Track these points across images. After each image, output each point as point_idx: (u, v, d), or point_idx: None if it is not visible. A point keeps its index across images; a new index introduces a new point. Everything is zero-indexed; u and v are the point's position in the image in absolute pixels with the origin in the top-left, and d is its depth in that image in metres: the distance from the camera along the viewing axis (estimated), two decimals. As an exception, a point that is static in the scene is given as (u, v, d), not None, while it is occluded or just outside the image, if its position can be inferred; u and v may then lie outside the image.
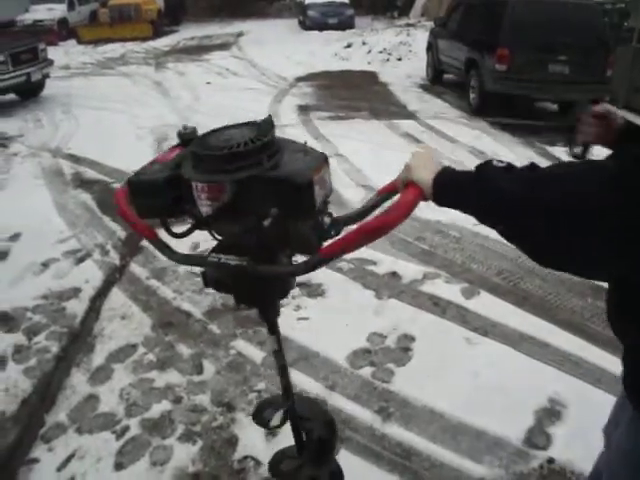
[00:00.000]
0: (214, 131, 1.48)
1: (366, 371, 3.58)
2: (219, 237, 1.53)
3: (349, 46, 18.41)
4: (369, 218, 1.38)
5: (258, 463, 2.96)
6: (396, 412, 3.27)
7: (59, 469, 2.99)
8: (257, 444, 3.07)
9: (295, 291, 4.43)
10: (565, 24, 9.57)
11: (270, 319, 1.75)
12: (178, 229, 1.62)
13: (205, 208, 1.38)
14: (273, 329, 1.76)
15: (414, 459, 2.98)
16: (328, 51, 18.20)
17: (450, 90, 12.44)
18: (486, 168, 1.26)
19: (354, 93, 12.27)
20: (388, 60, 16.50)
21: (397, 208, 1.30)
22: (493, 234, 4.51)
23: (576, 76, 9.69)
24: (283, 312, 4.12)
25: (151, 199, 1.44)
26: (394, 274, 4.68)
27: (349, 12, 24.19)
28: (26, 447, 3.15)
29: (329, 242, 1.37)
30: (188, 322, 4.17)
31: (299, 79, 14.02)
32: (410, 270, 4.73)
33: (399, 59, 16.53)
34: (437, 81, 13.38)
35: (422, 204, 4.10)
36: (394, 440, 3.10)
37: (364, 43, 18.33)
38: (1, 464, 3.05)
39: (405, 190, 1.35)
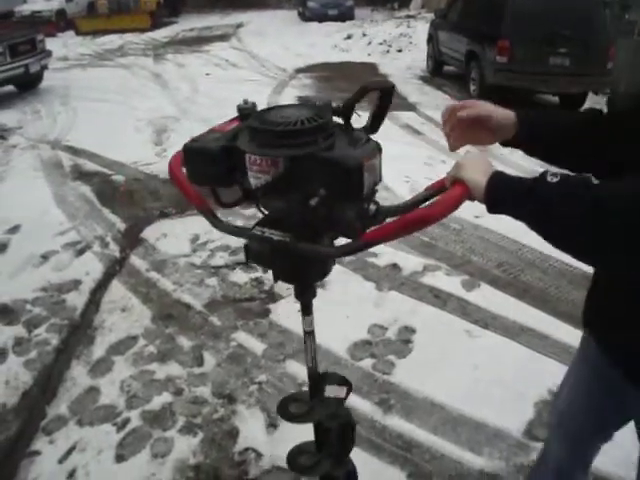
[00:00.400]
0: (272, 108, 1.49)
1: (367, 363, 3.58)
2: (265, 211, 1.54)
3: (349, 37, 18.36)
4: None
5: (259, 455, 2.96)
6: (397, 404, 3.28)
7: (60, 461, 2.99)
8: (258, 436, 3.08)
9: (295, 283, 4.43)
10: (566, 16, 9.56)
11: (305, 299, 1.73)
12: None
13: (255, 180, 1.39)
14: (307, 310, 1.75)
15: (415, 451, 2.99)
16: (328, 42, 18.16)
17: (450, 82, 12.41)
18: (541, 187, 1.24)
19: (354, 85, 12.02)
20: (388, 52, 16.46)
21: (441, 203, 1.31)
22: (493, 227, 4.53)
23: (577, 68, 9.68)
24: (284, 304, 4.14)
25: (204, 166, 1.46)
26: (394, 266, 4.68)
27: (349, 3, 24.12)
28: (27, 439, 3.15)
29: (371, 229, 1.38)
30: (188, 314, 4.16)
31: (299, 70, 13.98)
32: (410, 262, 4.72)
33: (399, 51, 16.49)
34: (437, 73, 13.34)
35: None
36: (395, 432, 3.10)
37: (364, 34, 18.29)
38: (3, 456, 3.05)
39: (452, 187, 1.35)
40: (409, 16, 22.00)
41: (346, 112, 1.47)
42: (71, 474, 2.91)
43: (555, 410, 2.10)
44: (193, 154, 1.47)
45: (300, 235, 1.42)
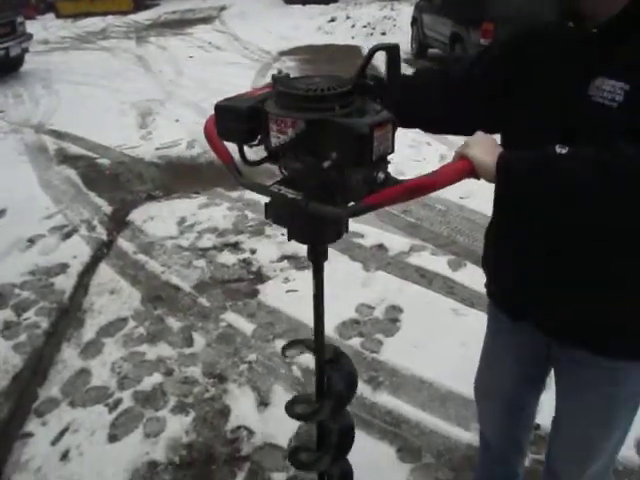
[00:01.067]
0: (302, 77, 1.57)
1: (355, 341, 3.63)
2: (285, 172, 1.61)
3: (333, 20, 18.30)
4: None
5: (251, 433, 3.00)
6: (385, 381, 3.33)
7: (53, 443, 3.01)
8: (249, 414, 3.12)
9: (283, 263, 4.47)
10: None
11: (317, 261, 1.80)
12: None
13: (275, 140, 1.49)
14: (317, 271, 1.81)
15: (404, 426, 3.04)
16: (311, 25, 18.09)
17: (435, 64, 12.43)
18: (551, 159, 1.29)
19: (337, 67, 12.19)
20: (372, 34, 16.42)
21: (442, 173, 1.37)
22: (478, 208, 4.57)
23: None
24: (272, 284, 4.17)
25: (232, 123, 1.56)
26: (381, 246, 4.72)
27: (332, -15, 24.00)
28: (20, 421, 3.17)
29: (375, 194, 1.44)
30: (177, 296, 4.19)
31: (282, 53, 13.94)
32: (397, 242, 4.76)
33: (383, 33, 16.45)
34: (421, 55, 13.33)
35: (411, 176, 4.12)
36: (384, 408, 3.15)
37: (348, 17, 18.23)
38: (-5, 439, 3.08)
39: (456, 161, 1.40)
40: (393, -2, 21.93)
41: (361, 80, 1.52)
42: (65, 455, 2.94)
43: (478, 384, 2.26)
44: (223, 111, 1.58)
45: (312, 195, 1.50)
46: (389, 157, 1.46)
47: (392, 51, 1.56)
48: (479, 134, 1.45)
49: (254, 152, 1.62)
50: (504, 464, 2.40)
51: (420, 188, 1.36)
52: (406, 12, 16.42)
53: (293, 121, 1.44)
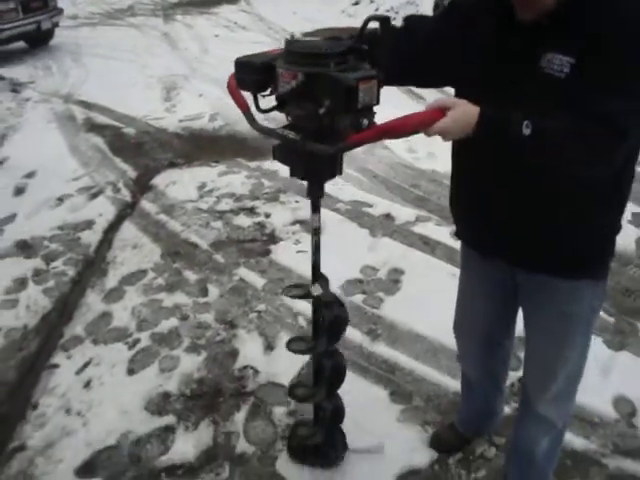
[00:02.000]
0: (308, 39, 1.96)
1: (358, 298, 3.90)
2: (289, 119, 1.94)
3: (357, 3, 18.39)
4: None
5: (256, 372, 3.30)
6: (383, 333, 3.60)
7: (77, 373, 3.34)
8: (256, 356, 3.41)
9: (295, 227, 4.74)
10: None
11: (315, 197, 2.16)
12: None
13: (282, 88, 1.82)
14: (315, 207, 2.17)
15: (398, 373, 3.31)
16: (335, 8, 18.17)
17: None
18: (519, 138, 1.56)
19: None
20: (394, 19, 16.53)
21: (412, 117, 1.63)
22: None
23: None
24: (284, 245, 4.44)
25: (248, 75, 1.93)
26: (388, 216, 4.97)
27: (358, -31, 24.02)
28: (47, 355, 3.50)
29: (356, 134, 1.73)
30: (195, 252, 4.49)
31: (306, 34, 14.11)
32: (403, 213, 5.01)
33: (404, 17, 16.54)
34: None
35: (422, 154, 4.43)
36: (381, 357, 3.42)
37: (372, 1, 18.32)
38: (26, 368, 3.40)
39: (428, 108, 1.66)
40: (418, -17, 21.96)
41: (357, 44, 1.82)
42: (87, 383, 3.26)
43: (456, 322, 2.58)
44: (241, 65, 1.94)
45: (308, 136, 1.81)
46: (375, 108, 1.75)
47: (384, 21, 1.86)
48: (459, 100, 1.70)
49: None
50: (485, 400, 2.67)
51: (392, 129, 1.64)
52: (429, -2, 16.54)
53: (295, 73, 1.76)
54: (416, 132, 1.65)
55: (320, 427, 2.61)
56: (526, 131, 1.53)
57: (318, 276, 2.30)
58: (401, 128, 1.63)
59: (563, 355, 2.05)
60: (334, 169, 2.03)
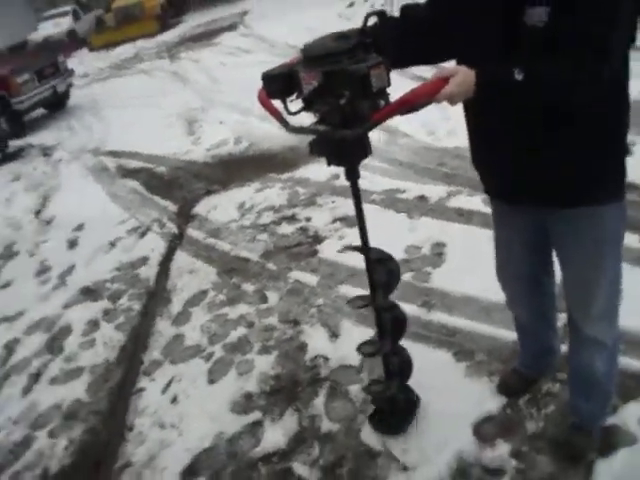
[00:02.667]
0: (316, 41, 2.15)
1: (407, 276, 4.08)
2: (316, 116, 2.19)
3: (351, 5, 18.57)
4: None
5: (326, 359, 3.52)
6: (437, 303, 3.79)
7: (163, 392, 3.61)
8: (323, 346, 3.64)
9: (336, 224, 4.97)
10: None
11: (353, 179, 2.39)
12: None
13: (306, 89, 2.08)
14: (355, 189, 2.43)
15: (457, 336, 3.49)
16: (332, 13, 18.33)
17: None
18: (512, 83, 1.77)
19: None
20: (391, 11, 16.72)
21: (420, 89, 1.86)
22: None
23: None
24: (329, 243, 4.66)
25: (274, 85, 2.19)
26: (421, 197, 5.16)
27: (346, -28, 24.16)
28: (132, 382, 3.78)
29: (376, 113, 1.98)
30: (247, 265, 4.75)
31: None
32: (435, 191, 5.19)
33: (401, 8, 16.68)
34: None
35: (441, 134, 4.65)
36: (439, 324, 3.61)
37: (366, 0, 18.51)
38: (116, 397, 3.69)
39: (432, 79, 1.88)
40: (408, -25, 22.04)
41: (361, 38, 2.07)
42: (174, 399, 3.53)
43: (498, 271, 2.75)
44: (268, 78, 2.21)
45: (337, 126, 2.08)
46: (388, 90, 2.01)
47: (381, 14, 2.19)
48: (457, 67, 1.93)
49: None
50: (539, 340, 2.86)
51: (406, 102, 1.87)
52: (421, -11, 16.65)
53: (315, 74, 2.04)
54: (427, 102, 1.88)
55: (392, 380, 2.83)
56: (518, 77, 1.74)
57: (366, 239, 2.61)
58: (413, 99, 1.85)
59: (597, 278, 2.23)
60: (365, 150, 2.27)
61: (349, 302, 2.86)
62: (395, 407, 2.89)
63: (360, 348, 2.81)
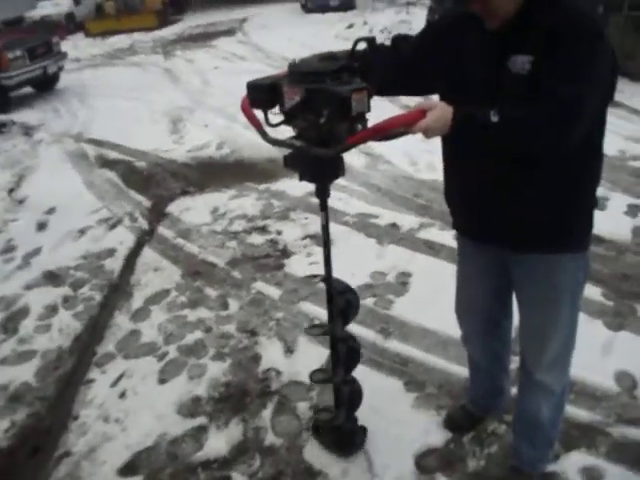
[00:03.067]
0: (304, 60, 2.23)
1: (369, 301, 4.13)
2: (295, 130, 2.24)
3: (350, 26, 18.74)
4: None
5: (279, 373, 3.53)
6: (395, 331, 3.83)
7: (112, 385, 3.60)
8: (277, 359, 3.65)
9: (306, 241, 5.00)
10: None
11: (322, 197, 2.42)
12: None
13: (287, 103, 2.12)
14: (324, 206, 2.45)
15: (410, 365, 3.53)
16: (330, 32, 18.51)
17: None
18: (488, 124, 1.81)
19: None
20: (389, 39, 16.81)
21: (397, 118, 1.90)
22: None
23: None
24: (296, 258, 4.68)
25: (258, 95, 2.24)
26: (394, 225, 5.21)
27: (349, -7, 24.37)
28: (83, 372, 3.76)
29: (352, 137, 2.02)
30: (213, 271, 4.76)
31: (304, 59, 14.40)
32: (408, 221, 5.25)
33: (392, 37, 16.81)
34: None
35: (422, 165, 4.72)
36: (394, 352, 3.65)
37: (365, 23, 18.67)
38: (64, 384, 3.67)
39: (411, 110, 1.92)
40: (409, 3, 22.28)
41: (349, 62, 2.13)
42: (122, 394, 3.51)
43: (457, 307, 2.82)
44: (252, 87, 2.25)
45: (313, 143, 2.13)
46: (368, 115, 2.04)
47: (370, 41, 2.25)
48: (438, 101, 1.98)
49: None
50: (490, 379, 2.90)
51: (381, 129, 1.92)
52: (421, 15, 16.84)
53: (298, 90, 2.07)
54: (403, 132, 1.92)
55: (340, 409, 2.84)
56: (494, 118, 1.79)
57: (330, 268, 2.57)
58: (388, 127, 1.90)
59: (553, 325, 2.29)
60: (337, 170, 2.31)
61: (307, 330, 2.91)
62: (340, 436, 2.92)
63: (312, 376, 2.84)
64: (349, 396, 2.80)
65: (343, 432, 2.90)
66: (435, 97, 2.19)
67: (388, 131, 1.91)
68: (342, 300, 2.66)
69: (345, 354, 2.73)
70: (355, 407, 2.88)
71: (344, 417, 2.82)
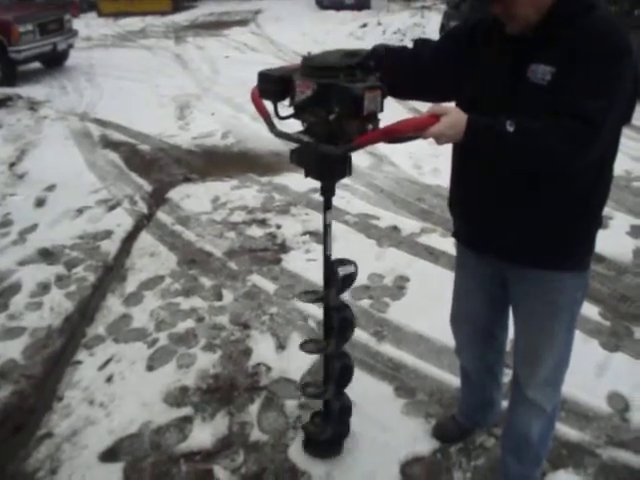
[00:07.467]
0: (323, 53, 2.20)
1: (365, 302, 4.09)
2: (304, 125, 2.20)
3: (364, 26, 18.68)
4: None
5: (269, 369, 3.49)
6: (389, 335, 3.79)
7: (100, 369, 3.55)
8: (268, 355, 3.61)
9: (305, 237, 4.96)
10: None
11: (327, 196, 2.37)
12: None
13: (298, 98, 2.08)
14: (328, 204, 2.40)
15: (402, 371, 3.50)
16: (343, 30, 18.48)
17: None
18: (503, 134, 1.77)
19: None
20: (402, 41, 16.77)
21: (409, 121, 1.86)
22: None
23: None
24: (294, 254, 4.64)
25: (268, 85, 2.20)
26: (395, 228, 5.17)
27: (365, -7, 24.29)
28: (71, 352, 3.72)
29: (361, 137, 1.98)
30: (209, 260, 4.71)
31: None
32: (409, 225, 5.21)
33: (413, 40, 16.80)
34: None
35: (427, 170, 4.69)
36: (386, 356, 3.61)
37: (379, 23, 18.61)
38: (52, 364, 3.62)
39: (424, 114, 1.87)
40: (424, 7, 22.23)
41: (365, 61, 2.09)
42: (109, 378, 3.47)
43: (453, 316, 2.78)
44: (264, 76, 2.21)
45: (321, 139, 2.09)
46: (380, 116, 2.00)
47: (389, 47, 2.24)
48: (452, 107, 1.93)
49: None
50: (482, 392, 2.86)
51: (391, 131, 1.87)
52: (435, 20, 16.81)
53: (310, 83, 2.03)
54: (414, 136, 1.87)
55: (329, 423, 2.81)
56: (510, 128, 1.74)
57: (333, 271, 2.49)
58: (399, 130, 1.85)
59: (549, 343, 2.25)
60: (344, 169, 2.27)
61: (301, 346, 2.76)
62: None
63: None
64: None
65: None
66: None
67: (399, 134, 1.87)
68: (338, 317, 2.62)
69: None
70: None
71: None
